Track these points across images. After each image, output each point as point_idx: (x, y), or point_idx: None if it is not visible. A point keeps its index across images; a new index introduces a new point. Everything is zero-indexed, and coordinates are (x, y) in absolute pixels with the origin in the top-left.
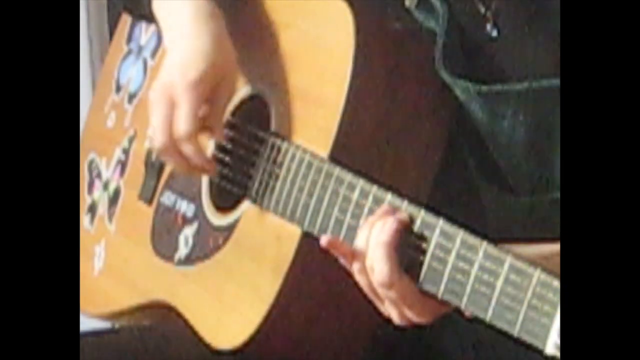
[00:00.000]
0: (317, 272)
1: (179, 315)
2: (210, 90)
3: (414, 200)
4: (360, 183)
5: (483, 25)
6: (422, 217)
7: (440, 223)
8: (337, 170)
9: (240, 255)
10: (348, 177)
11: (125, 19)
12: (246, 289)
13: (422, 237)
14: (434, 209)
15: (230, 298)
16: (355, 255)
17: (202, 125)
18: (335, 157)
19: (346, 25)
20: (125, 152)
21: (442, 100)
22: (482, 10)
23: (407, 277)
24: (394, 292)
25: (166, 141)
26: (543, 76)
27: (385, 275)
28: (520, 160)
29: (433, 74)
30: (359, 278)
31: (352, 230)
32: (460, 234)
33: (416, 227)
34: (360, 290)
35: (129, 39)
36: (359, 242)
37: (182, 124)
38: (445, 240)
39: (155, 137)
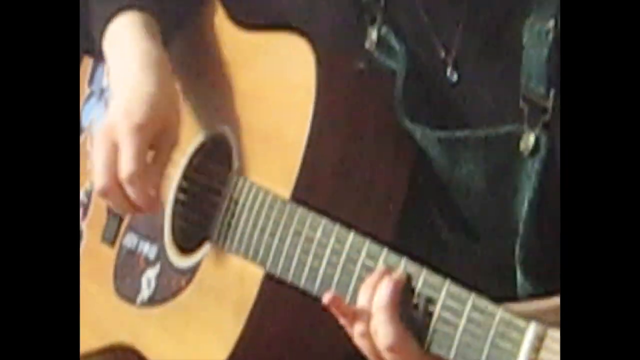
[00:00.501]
0: (280, 314)
1: (141, 357)
2: (153, 135)
3: (413, 259)
4: (323, 223)
5: (443, 69)
6: (424, 276)
7: (447, 284)
8: (299, 210)
9: (203, 296)
10: (310, 217)
11: (87, 61)
12: (209, 330)
13: (427, 299)
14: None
15: (193, 340)
16: (357, 316)
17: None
18: (297, 197)
19: (308, 64)
20: (88, 194)
21: (402, 142)
22: (443, 54)
23: (414, 340)
24: (400, 356)
25: (107, 182)
26: (503, 123)
27: (392, 339)
28: (480, 206)
29: (394, 115)
30: (360, 341)
31: (314, 271)
32: (472, 297)
33: (418, 287)
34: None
35: (91, 81)
36: (361, 303)
37: (126, 165)
38: (452, 301)
39: (96, 178)
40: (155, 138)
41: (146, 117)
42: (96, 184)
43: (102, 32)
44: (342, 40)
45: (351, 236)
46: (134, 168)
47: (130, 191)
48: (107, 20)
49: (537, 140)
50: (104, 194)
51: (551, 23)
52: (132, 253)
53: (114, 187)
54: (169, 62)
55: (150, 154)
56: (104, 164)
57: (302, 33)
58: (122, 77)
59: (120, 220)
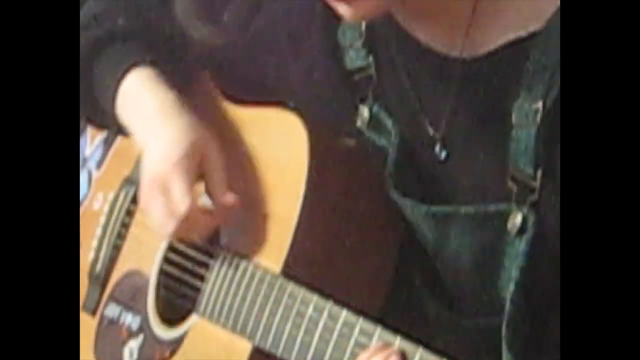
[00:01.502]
0: None
1: None
2: (197, 165)
3: (404, 336)
4: (315, 299)
5: (432, 146)
6: (420, 354)
7: None
8: (290, 285)
9: None
10: (302, 292)
11: None
12: None
13: None
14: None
15: None
16: None
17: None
18: (288, 273)
19: (300, 140)
20: None
21: (392, 217)
22: (431, 132)
23: None
24: None
25: (175, 225)
26: (491, 201)
27: None
28: (466, 281)
29: (384, 192)
30: None
31: (306, 346)
32: None
33: None
34: None
35: None
36: None
37: (181, 202)
38: None
39: (163, 228)
40: (201, 165)
41: (184, 153)
42: (165, 233)
43: (114, 92)
44: (334, 117)
45: (344, 313)
46: (189, 202)
47: (194, 224)
48: (119, 79)
49: (524, 219)
50: (177, 235)
51: (540, 104)
52: (114, 323)
53: (182, 227)
54: (189, 105)
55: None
56: (162, 213)
57: (294, 110)
58: (146, 129)
59: (102, 289)
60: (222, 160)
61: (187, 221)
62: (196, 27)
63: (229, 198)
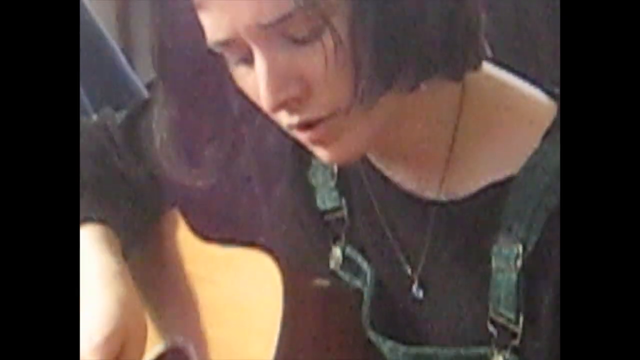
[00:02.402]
0: None
1: None
2: (115, 352)
3: None
4: None
5: (409, 286)
6: None
7: None
8: None
9: None
10: None
11: None
12: None
13: None
14: None
15: None
16: None
17: None
18: None
19: (274, 283)
20: None
21: (370, 357)
22: (409, 271)
23: None
24: None
25: None
26: (471, 343)
27: None
28: None
29: (361, 333)
30: None
31: None
32: None
33: None
34: None
35: None
36: None
37: None
38: None
39: None
40: (119, 354)
41: (106, 336)
42: None
43: None
44: (307, 258)
45: None
46: None
47: None
48: None
49: None
50: None
51: (520, 248)
52: None
53: None
54: (130, 275)
55: None
56: None
57: (267, 250)
58: (85, 293)
59: None
60: (141, 352)
61: None
62: (177, 169)
63: None
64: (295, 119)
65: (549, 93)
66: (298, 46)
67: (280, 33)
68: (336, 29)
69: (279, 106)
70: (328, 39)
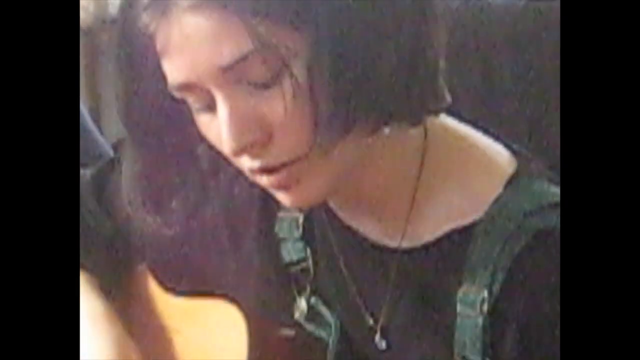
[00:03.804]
0: None
1: None
2: None
3: None
4: None
5: (372, 337)
6: None
7: None
8: None
9: None
10: None
11: None
12: None
13: None
14: None
15: None
16: None
17: None
18: None
19: (239, 332)
20: None
21: None
22: (370, 321)
23: None
24: None
25: None
26: None
27: None
28: None
29: None
30: None
31: None
32: None
33: None
34: None
35: None
36: None
37: None
38: None
39: None
40: None
41: None
42: None
43: None
44: (272, 309)
45: None
46: None
47: None
48: None
49: None
50: None
51: (485, 293)
52: None
53: None
54: (116, 313)
55: None
56: None
57: (233, 301)
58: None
59: None
60: None
61: None
62: (144, 220)
63: None
64: (256, 164)
65: (507, 147)
66: (259, 91)
67: (240, 77)
68: (295, 74)
69: (241, 150)
70: (287, 84)
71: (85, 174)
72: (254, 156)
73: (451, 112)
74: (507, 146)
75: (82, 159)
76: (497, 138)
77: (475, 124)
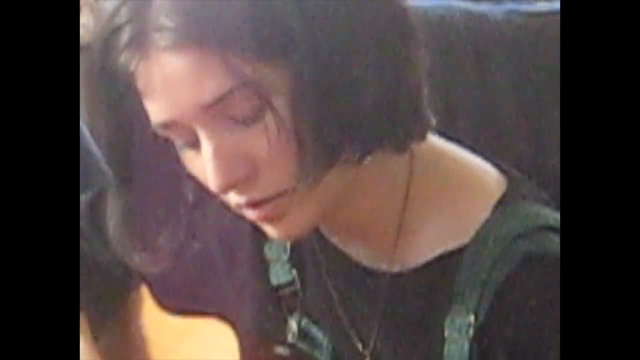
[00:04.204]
0: None
1: None
2: None
3: None
4: None
5: None
6: None
7: None
8: None
9: None
10: None
11: None
12: None
13: None
14: None
15: None
16: None
17: None
18: None
19: (231, 350)
20: None
21: None
22: (360, 347)
23: None
24: None
25: None
26: None
27: None
28: None
29: None
30: None
31: None
32: None
33: None
34: None
35: None
36: None
37: None
38: None
39: None
40: None
41: None
42: None
43: None
44: (265, 331)
45: None
46: None
47: None
48: None
49: None
50: None
51: (472, 318)
52: None
53: None
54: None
55: None
56: None
57: (227, 320)
58: None
59: None
60: None
61: None
62: (131, 256)
63: None
64: (243, 199)
65: (497, 166)
66: (242, 127)
67: (223, 114)
68: (277, 109)
69: (228, 187)
70: (270, 120)
71: (82, 198)
72: (240, 192)
73: (449, 128)
74: (497, 165)
75: (84, 181)
76: (487, 157)
77: (473, 139)
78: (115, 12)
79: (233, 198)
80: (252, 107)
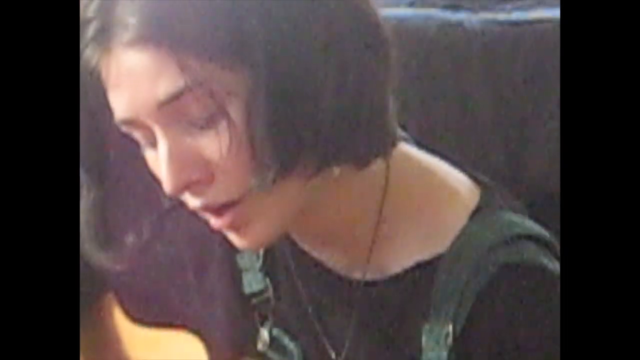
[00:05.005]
0: None
1: None
2: None
3: None
4: None
5: None
6: None
7: None
8: None
9: None
10: None
11: None
12: None
13: None
14: None
15: None
16: None
17: None
18: None
19: None
20: None
21: None
22: (333, 355)
23: None
24: None
25: None
26: None
27: None
28: None
29: None
30: None
31: None
32: None
33: None
34: None
35: None
36: None
37: None
38: None
39: None
40: None
41: None
42: None
43: None
44: (235, 340)
45: None
46: None
47: None
48: None
49: None
50: None
51: (450, 327)
52: None
53: None
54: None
55: None
56: None
57: (196, 332)
58: None
59: None
60: None
61: None
62: (97, 254)
63: None
64: (197, 202)
65: (472, 177)
66: (197, 131)
67: (178, 115)
68: (231, 114)
69: (181, 189)
70: (223, 126)
71: None
72: (195, 195)
73: (425, 138)
74: (472, 176)
75: None
76: (462, 167)
77: (450, 151)
78: (86, 6)
79: (189, 201)
80: (206, 111)
